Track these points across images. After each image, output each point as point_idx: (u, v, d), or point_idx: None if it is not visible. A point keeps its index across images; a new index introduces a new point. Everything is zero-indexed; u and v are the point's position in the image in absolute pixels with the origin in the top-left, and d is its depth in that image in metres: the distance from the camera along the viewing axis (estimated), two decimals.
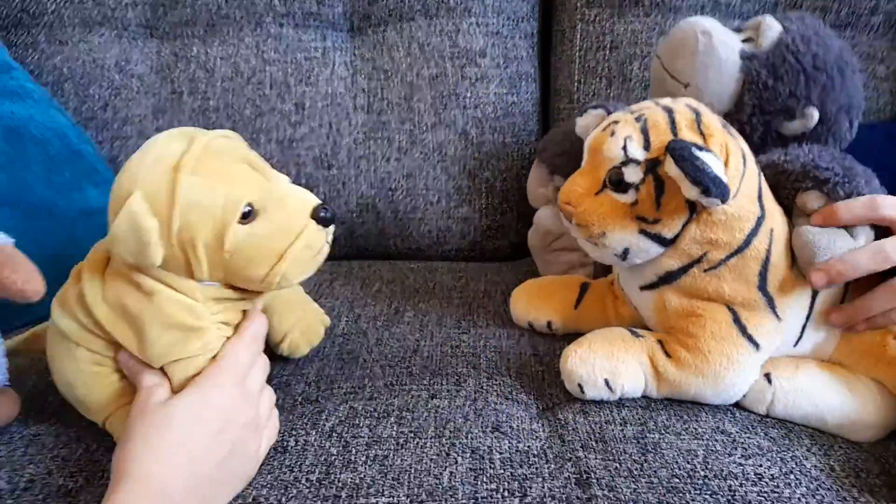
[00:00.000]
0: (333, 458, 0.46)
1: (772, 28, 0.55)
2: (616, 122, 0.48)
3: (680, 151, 0.44)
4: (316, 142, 0.82)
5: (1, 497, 0.43)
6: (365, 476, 0.44)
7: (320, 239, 0.47)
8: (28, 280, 0.43)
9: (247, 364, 0.46)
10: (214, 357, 0.45)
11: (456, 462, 0.45)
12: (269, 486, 0.44)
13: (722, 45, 0.55)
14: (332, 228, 0.48)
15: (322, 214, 0.46)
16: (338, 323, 0.64)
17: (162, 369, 0.45)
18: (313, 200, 0.47)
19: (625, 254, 0.49)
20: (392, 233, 0.84)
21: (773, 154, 0.52)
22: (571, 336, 0.60)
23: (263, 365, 0.49)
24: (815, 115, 0.54)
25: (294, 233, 0.45)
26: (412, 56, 0.83)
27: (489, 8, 0.84)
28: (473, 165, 0.83)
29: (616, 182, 0.47)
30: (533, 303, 0.62)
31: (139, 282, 0.44)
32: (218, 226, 0.43)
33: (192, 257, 0.44)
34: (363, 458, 0.46)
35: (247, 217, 0.44)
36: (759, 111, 0.55)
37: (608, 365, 0.50)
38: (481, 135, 0.83)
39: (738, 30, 0.58)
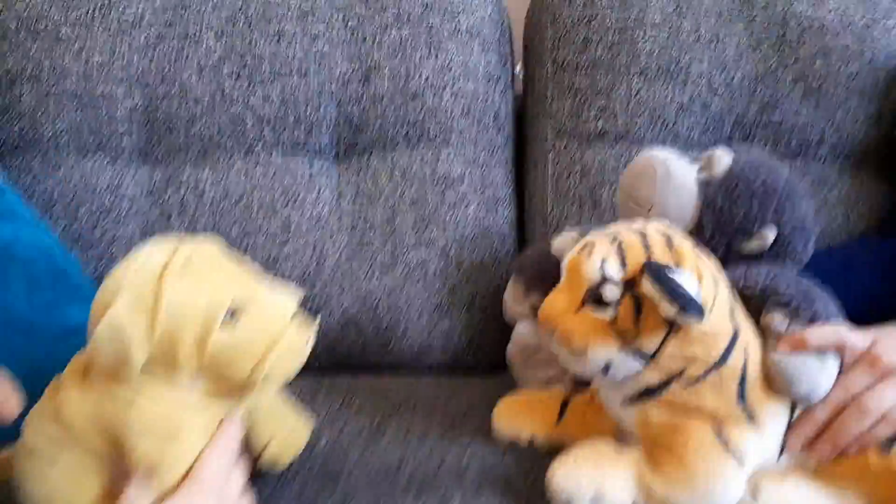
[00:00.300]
0: None
1: (723, 158, 0.60)
2: (593, 244, 0.51)
3: (656, 272, 0.46)
4: (300, 261, 0.84)
5: None
6: None
7: (301, 340, 0.48)
8: (5, 400, 0.42)
9: (224, 471, 0.45)
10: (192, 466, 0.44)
11: None
12: None
13: (678, 172, 0.59)
14: (313, 330, 0.49)
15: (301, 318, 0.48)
16: (319, 439, 0.63)
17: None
18: (293, 304, 0.49)
19: (606, 369, 0.50)
20: (374, 348, 0.85)
21: (733, 274, 0.54)
22: (555, 451, 0.59)
23: (241, 471, 0.47)
24: (770, 235, 0.58)
25: (276, 335, 0.46)
26: (394, 181, 0.87)
27: (466, 139, 0.90)
28: (454, 282, 0.85)
29: (595, 300, 0.49)
30: (514, 418, 0.62)
31: (119, 387, 0.44)
32: (202, 328, 0.44)
33: (176, 361, 0.44)
34: None
35: (230, 319, 0.45)
36: (718, 232, 0.59)
37: (595, 481, 0.50)
38: (461, 254, 0.86)
39: (692, 162, 0.63)
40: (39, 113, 0.84)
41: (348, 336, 0.84)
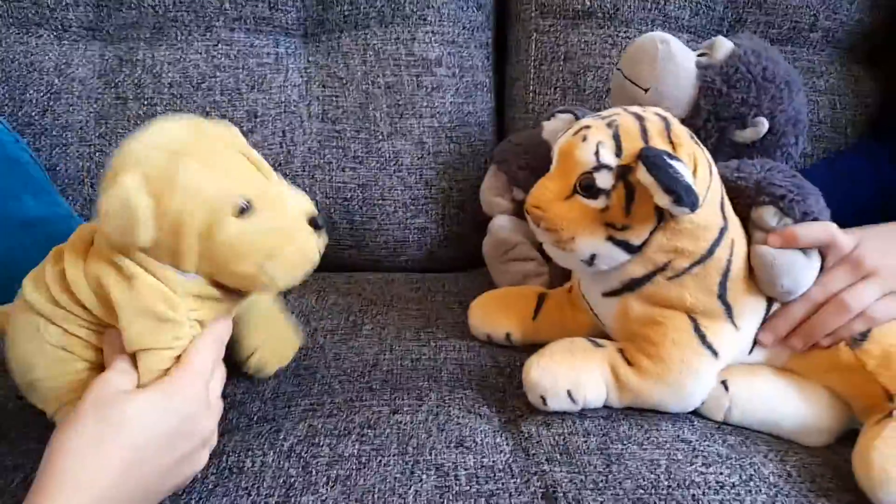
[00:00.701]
0: (293, 479, 0.44)
1: (725, 44, 0.58)
2: (588, 128, 0.49)
3: (653, 159, 0.44)
4: (269, 150, 0.80)
5: None
6: (327, 498, 0.43)
7: (313, 245, 0.46)
8: None
9: (209, 368, 0.44)
10: (179, 357, 0.43)
11: (421, 480, 0.44)
12: None
13: (680, 53, 0.57)
14: (324, 239, 0.47)
15: (316, 220, 0.46)
16: None
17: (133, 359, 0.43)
18: (309, 205, 0.47)
19: (592, 259, 0.49)
20: (347, 243, 0.83)
21: (725, 168, 0.53)
22: (531, 347, 0.60)
23: (222, 374, 0.47)
24: (764, 124, 0.57)
25: (289, 234, 0.44)
26: (368, 64, 0.82)
27: (444, 17, 0.83)
28: (430, 175, 0.82)
29: (587, 187, 0.47)
30: (491, 315, 0.61)
31: (120, 265, 0.43)
32: (212, 215, 0.42)
33: (182, 245, 0.42)
34: (324, 479, 0.44)
35: (243, 212, 0.43)
36: (714, 117, 0.57)
37: (570, 375, 0.50)
38: (437, 144, 0.83)
39: (693, 49, 0.60)
40: None
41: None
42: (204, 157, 0.42)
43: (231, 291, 0.46)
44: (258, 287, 0.46)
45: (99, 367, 0.45)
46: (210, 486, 0.44)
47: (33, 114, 0.77)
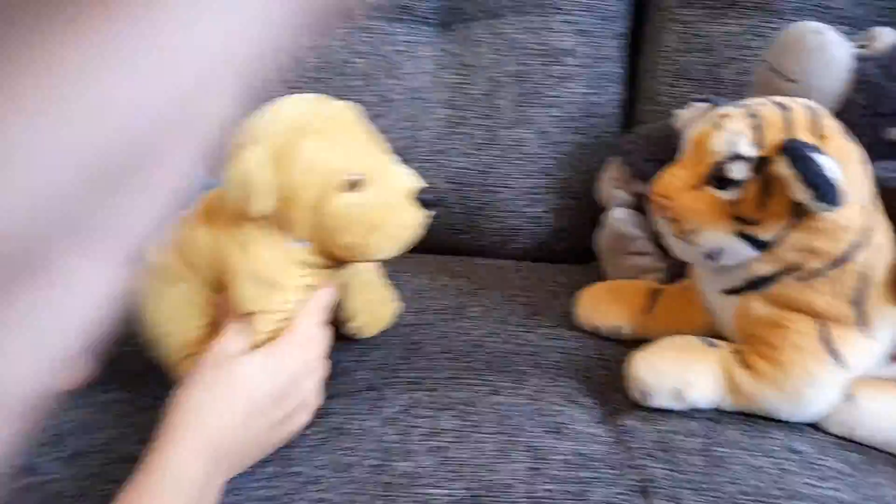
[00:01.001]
0: (392, 445, 0.46)
1: (886, 34, 0.55)
2: (726, 116, 0.46)
3: (797, 151, 0.42)
4: (397, 134, 0.82)
5: (72, 458, 0.46)
6: (423, 466, 0.44)
7: (416, 219, 0.48)
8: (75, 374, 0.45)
9: (314, 332, 0.47)
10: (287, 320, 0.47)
11: (515, 459, 0.44)
12: (326, 466, 0.45)
13: (833, 44, 0.54)
14: (429, 213, 0.49)
15: (422, 197, 0.47)
16: (404, 313, 0.65)
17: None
18: (418, 183, 0.48)
19: (715, 254, 0.47)
20: (462, 228, 0.84)
21: (879, 168, 0.49)
22: (639, 342, 0.58)
23: (326, 337, 0.50)
24: None
25: (392, 208, 0.47)
26: (498, 52, 0.82)
27: (580, 6, 0.82)
28: (550, 165, 0.82)
29: (718, 178, 0.45)
30: (601, 306, 0.60)
31: (237, 231, 0.47)
32: (324, 189, 0.45)
33: (295, 215, 0.46)
34: (422, 449, 0.46)
35: (353, 186, 0.46)
36: (869, 113, 0.53)
37: (679, 373, 0.48)
38: (562, 134, 0.82)
39: (849, 40, 0.56)
40: None
41: (438, 215, 0.83)
42: (321, 134, 0.45)
43: (337, 260, 0.49)
44: (362, 257, 0.48)
45: (217, 324, 0.49)
46: (315, 443, 0.47)
47: None
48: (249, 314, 0.46)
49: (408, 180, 0.48)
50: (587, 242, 0.74)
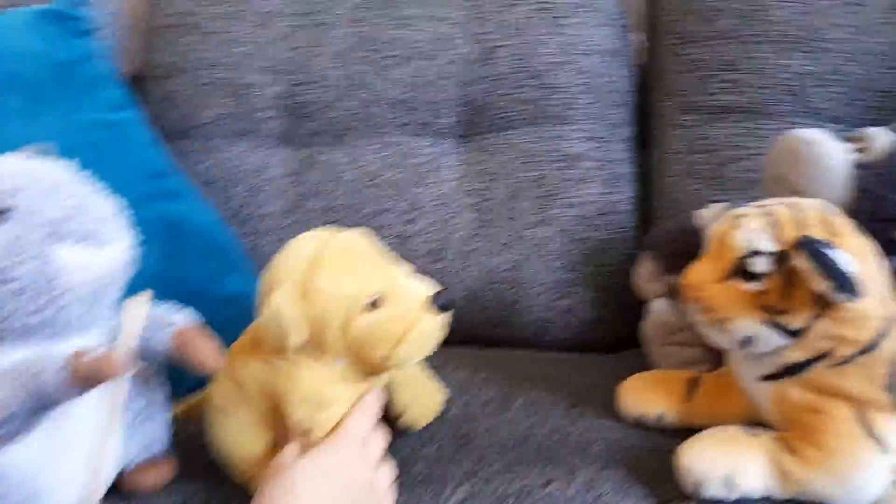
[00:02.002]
0: None
1: (880, 138, 0.57)
2: (743, 215, 0.51)
3: (811, 246, 0.46)
4: (428, 237, 0.89)
5: None
6: None
7: (434, 325, 0.52)
8: (209, 357, 0.49)
9: (365, 431, 0.51)
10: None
11: None
12: None
13: (827, 155, 0.57)
14: (447, 314, 0.53)
15: (436, 303, 0.52)
16: (450, 407, 0.68)
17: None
18: (429, 290, 0.53)
19: (747, 342, 0.50)
20: (497, 322, 0.88)
21: (894, 262, 0.52)
22: (683, 431, 0.60)
23: (382, 435, 0.53)
24: None
25: (411, 320, 0.51)
26: (516, 160, 0.90)
27: (587, 116, 0.90)
28: (575, 260, 0.87)
29: (742, 272, 0.49)
30: (642, 395, 0.63)
31: (279, 363, 0.51)
32: (347, 313, 0.50)
33: (326, 340, 0.50)
34: None
35: (373, 305, 0.50)
36: (875, 221, 0.55)
37: (728, 462, 0.50)
38: (582, 231, 0.87)
39: (844, 142, 0.60)
40: (194, 102, 0.93)
41: (472, 311, 0.88)
42: (334, 263, 0.50)
43: (374, 370, 0.53)
44: (394, 366, 0.52)
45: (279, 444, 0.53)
46: None
47: (236, 206, 0.92)
48: (306, 432, 0.50)
49: (421, 290, 0.53)
50: (621, 331, 0.78)
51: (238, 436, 0.54)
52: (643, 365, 0.69)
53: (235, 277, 0.80)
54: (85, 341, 0.48)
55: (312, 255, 0.51)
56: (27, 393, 0.42)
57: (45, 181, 0.43)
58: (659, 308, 0.74)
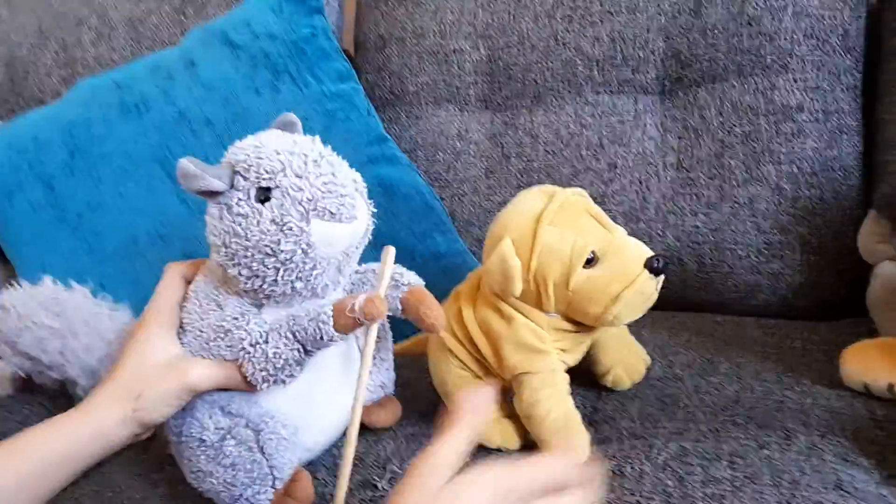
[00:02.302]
0: (671, 489, 0.50)
1: None
2: None
3: None
4: (626, 197, 0.88)
5: (396, 478, 0.55)
6: None
7: (651, 286, 0.54)
8: (438, 317, 0.54)
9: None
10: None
11: None
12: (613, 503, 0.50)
13: None
14: (661, 277, 0.54)
15: (654, 265, 0.53)
16: (652, 367, 0.69)
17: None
18: (647, 252, 0.54)
19: None
20: (696, 285, 0.86)
21: None
22: None
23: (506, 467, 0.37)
24: None
25: (629, 279, 0.53)
26: (724, 114, 0.86)
27: (808, 63, 0.83)
28: (787, 221, 0.82)
29: None
30: (871, 363, 0.59)
31: (501, 308, 0.56)
32: (566, 268, 0.53)
33: (543, 293, 0.54)
34: (700, 495, 0.49)
35: (590, 263, 0.53)
36: None
37: None
38: (796, 190, 0.82)
39: None
40: (405, 70, 1.00)
41: (670, 273, 0.86)
42: (556, 220, 0.53)
43: (584, 325, 0.56)
44: (605, 323, 0.54)
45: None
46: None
47: (440, 170, 0.98)
48: (517, 375, 0.54)
49: (638, 250, 0.54)
50: (834, 297, 0.73)
51: (457, 374, 0.59)
52: (862, 333, 0.65)
53: (440, 237, 0.86)
54: (334, 297, 0.54)
55: (537, 210, 0.54)
56: (298, 342, 0.49)
57: (302, 160, 0.47)
58: (890, 271, 0.69)
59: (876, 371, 0.59)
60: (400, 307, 0.54)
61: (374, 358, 0.59)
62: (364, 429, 0.58)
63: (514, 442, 0.57)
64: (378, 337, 0.51)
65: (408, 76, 1.00)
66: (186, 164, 0.46)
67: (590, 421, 0.57)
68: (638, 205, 0.88)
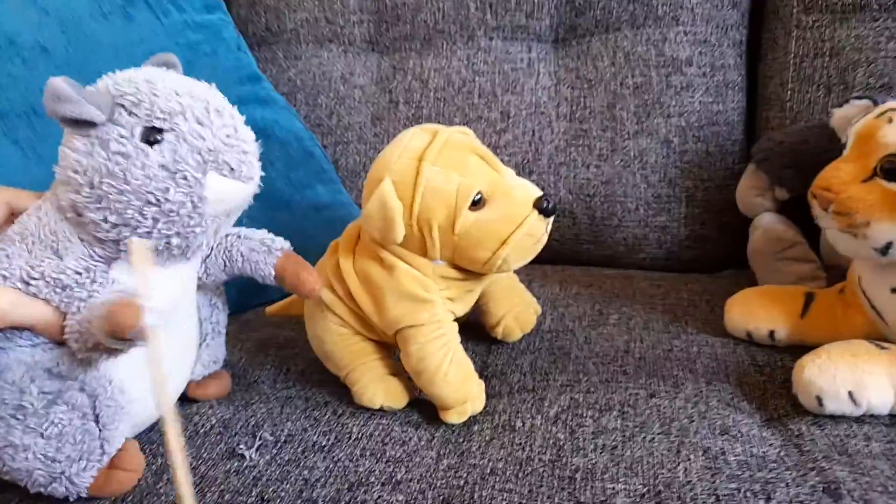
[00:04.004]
0: (562, 442, 0.48)
1: None
2: (894, 110, 0.47)
3: None
4: (519, 148, 0.85)
5: (267, 446, 0.49)
6: (597, 462, 0.45)
7: (541, 228, 0.51)
8: (317, 281, 0.50)
9: None
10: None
11: (689, 459, 0.45)
12: (502, 460, 0.47)
13: None
14: (551, 219, 0.51)
15: (544, 205, 0.50)
16: (543, 320, 0.66)
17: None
18: (536, 192, 0.51)
19: (887, 248, 0.47)
20: (587, 238, 0.85)
21: None
22: (793, 348, 0.58)
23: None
24: None
25: (517, 221, 0.49)
26: (616, 65, 0.84)
27: (698, 16, 0.83)
28: (674, 174, 0.82)
29: (889, 170, 0.46)
30: (753, 311, 0.60)
31: (382, 257, 0.51)
32: (451, 210, 0.48)
33: (427, 238, 0.49)
34: (592, 446, 0.47)
35: (476, 204, 0.49)
36: None
37: (852, 377, 0.47)
38: (684, 143, 0.82)
39: None
40: (282, 5, 0.91)
41: (562, 226, 0.85)
42: (440, 159, 0.48)
43: (472, 272, 0.52)
44: (493, 269, 0.51)
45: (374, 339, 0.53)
46: (487, 439, 0.49)
47: (323, 116, 0.90)
48: (402, 329, 0.50)
49: (526, 191, 0.50)
50: (718, 250, 0.74)
51: (336, 332, 0.54)
52: (743, 284, 0.66)
53: (322, 186, 0.79)
54: (197, 263, 0.50)
55: (420, 149, 0.49)
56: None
57: (203, 106, 0.42)
58: (768, 222, 0.70)
59: (758, 319, 0.59)
60: (273, 273, 0.50)
61: (201, 344, 0.54)
62: (193, 401, 0.55)
63: (400, 401, 0.53)
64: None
65: (285, 12, 0.91)
66: (62, 84, 0.39)
67: (480, 376, 0.53)
68: (531, 156, 0.85)
